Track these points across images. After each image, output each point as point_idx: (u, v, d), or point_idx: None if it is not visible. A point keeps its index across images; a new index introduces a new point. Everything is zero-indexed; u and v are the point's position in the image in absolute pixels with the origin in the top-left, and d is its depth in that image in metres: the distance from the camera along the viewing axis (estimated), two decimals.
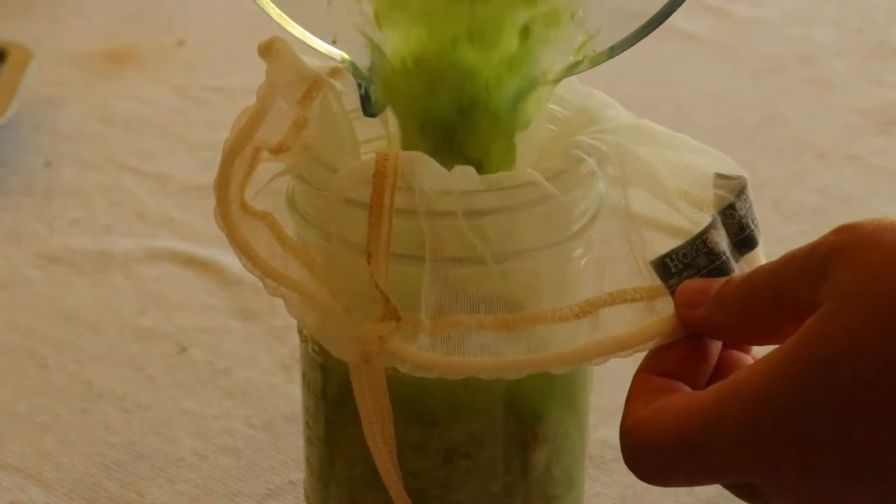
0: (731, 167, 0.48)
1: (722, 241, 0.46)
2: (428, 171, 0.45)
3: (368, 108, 0.49)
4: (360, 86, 0.49)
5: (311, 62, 0.49)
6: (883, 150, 0.93)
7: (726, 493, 0.61)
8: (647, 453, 0.42)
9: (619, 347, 0.46)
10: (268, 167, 0.49)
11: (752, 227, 0.47)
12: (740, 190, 0.47)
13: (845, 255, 0.40)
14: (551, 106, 0.51)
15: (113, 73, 1.01)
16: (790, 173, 0.90)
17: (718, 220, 0.46)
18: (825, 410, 0.39)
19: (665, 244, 0.47)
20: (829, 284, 0.40)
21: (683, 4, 0.47)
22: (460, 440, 0.49)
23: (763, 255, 0.47)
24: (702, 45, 1.06)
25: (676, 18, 0.48)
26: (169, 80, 1.00)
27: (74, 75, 1.00)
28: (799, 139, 0.95)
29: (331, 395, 0.51)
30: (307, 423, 0.52)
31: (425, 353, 0.45)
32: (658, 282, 0.46)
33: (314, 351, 0.51)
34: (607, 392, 0.65)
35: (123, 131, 0.93)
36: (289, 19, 0.49)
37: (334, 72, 0.50)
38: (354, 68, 0.49)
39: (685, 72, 1.02)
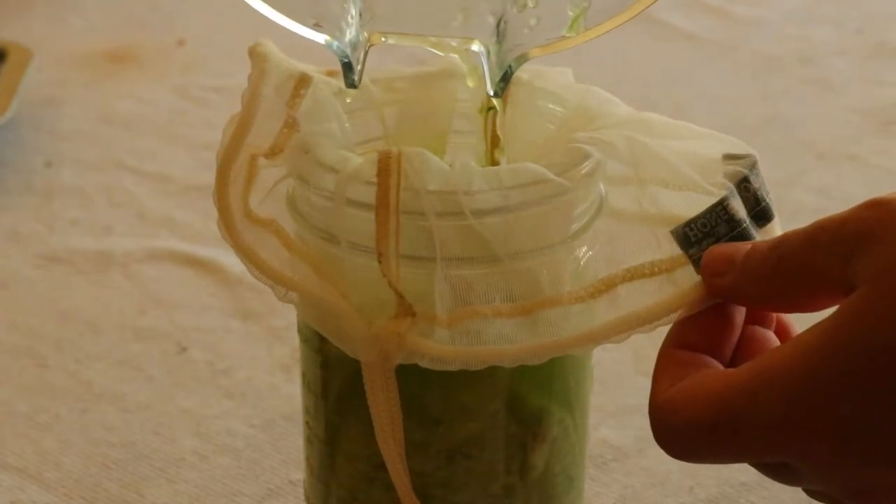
0: (739, 147, 0.48)
1: (741, 209, 0.46)
2: (430, 169, 0.45)
3: (351, 78, 0.49)
4: (342, 60, 0.49)
5: (304, 66, 0.49)
6: (883, 151, 0.93)
7: (726, 492, 0.61)
8: (679, 432, 0.42)
9: (640, 322, 0.45)
10: (272, 172, 0.49)
11: (768, 200, 0.47)
12: (752, 165, 0.47)
13: (878, 233, 0.40)
14: (551, 106, 0.51)
15: (113, 74, 1.01)
16: (790, 173, 0.90)
17: (735, 191, 0.46)
18: (858, 394, 0.39)
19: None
20: (865, 264, 0.40)
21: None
22: (462, 440, 0.49)
23: (779, 227, 0.47)
24: (702, 45, 1.06)
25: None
26: (169, 81, 1.00)
27: (74, 75, 1.00)
28: (799, 139, 0.95)
29: (331, 395, 0.51)
30: (307, 423, 0.52)
31: (445, 346, 0.45)
32: (678, 252, 0.46)
33: (315, 351, 0.51)
34: (607, 392, 0.65)
35: (123, 131, 0.93)
36: (269, 7, 0.48)
37: (331, 73, 0.50)
38: (338, 47, 0.49)
39: (685, 72, 1.02)
